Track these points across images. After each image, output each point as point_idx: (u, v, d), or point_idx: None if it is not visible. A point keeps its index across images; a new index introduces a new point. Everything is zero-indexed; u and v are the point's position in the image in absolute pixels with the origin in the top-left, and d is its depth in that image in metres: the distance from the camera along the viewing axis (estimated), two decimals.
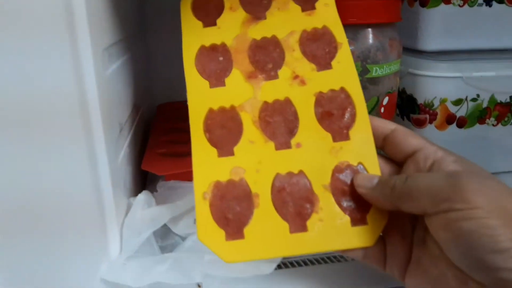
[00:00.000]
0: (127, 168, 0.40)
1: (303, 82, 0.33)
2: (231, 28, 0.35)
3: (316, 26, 0.35)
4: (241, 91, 0.33)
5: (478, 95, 0.52)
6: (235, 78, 0.34)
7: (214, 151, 0.31)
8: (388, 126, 0.31)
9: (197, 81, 0.34)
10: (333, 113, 0.32)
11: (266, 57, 0.34)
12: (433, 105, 0.52)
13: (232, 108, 0.32)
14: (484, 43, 0.53)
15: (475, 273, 0.22)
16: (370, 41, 0.45)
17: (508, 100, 0.53)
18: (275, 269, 0.35)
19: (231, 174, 0.30)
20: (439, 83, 0.51)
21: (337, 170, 0.30)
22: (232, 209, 0.29)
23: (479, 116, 0.53)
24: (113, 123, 0.35)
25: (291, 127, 0.32)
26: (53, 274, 0.27)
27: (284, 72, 0.34)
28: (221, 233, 0.28)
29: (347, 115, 0.32)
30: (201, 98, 0.33)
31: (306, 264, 0.37)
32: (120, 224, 0.36)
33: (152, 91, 0.68)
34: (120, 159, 0.37)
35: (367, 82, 0.46)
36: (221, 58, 0.34)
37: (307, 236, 0.28)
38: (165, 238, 0.39)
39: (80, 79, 0.29)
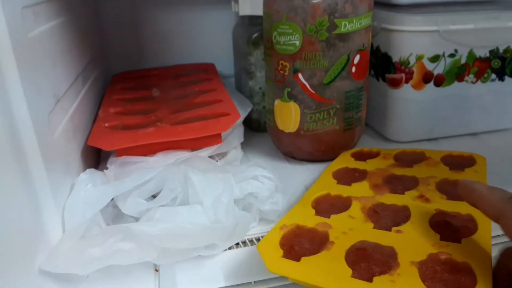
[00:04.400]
0: (70, 145, 0.36)
1: (427, 200, 0.33)
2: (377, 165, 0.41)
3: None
4: (362, 191, 0.36)
5: (456, 51, 0.48)
6: (362, 184, 0.38)
7: (313, 211, 0.34)
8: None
9: (328, 178, 0.40)
10: (450, 223, 0.30)
11: (398, 182, 0.37)
12: (409, 62, 0.48)
13: (348, 197, 0.36)
14: None
15: None
16: None
17: (488, 55, 0.49)
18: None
19: (317, 226, 0.31)
20: (414, 39, 0.47)
21: (434, 257, 0.27)
22: (301, 244, 0.29)
23: (457, 73, 0.49)
24: (42, 93, 0.31)
25: (398, 221, 0.31)
26: None
27: (411, 193, 0.35)
28: (280, 252, 0.29)
29: (464, 229, 0.30)
30: (325, 185, 0.38)
31: None
32: (61, 207, 0.32)
33: (107, 58, 0.63)
34: (57, 135, 0.33)
35: (336, 39, 0.42)
36: (357, 174, 0.40)
37: (368, 285, 0.25)
38: (118, 220, 0.35)
39: None
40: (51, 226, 0.30)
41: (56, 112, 0.33)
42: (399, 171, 0.39)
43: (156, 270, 0.32)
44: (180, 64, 0.66)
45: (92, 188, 0.32)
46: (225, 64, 0.65)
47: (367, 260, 0.27)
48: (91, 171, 0.34)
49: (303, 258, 0.28)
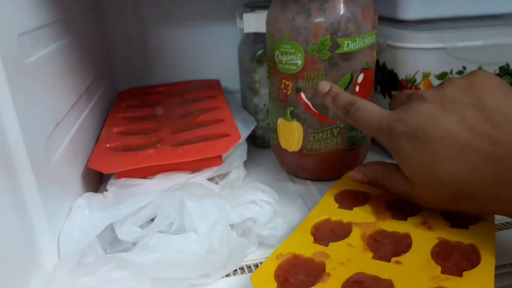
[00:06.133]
0: (70, 167, 0.36)
1: (430, 228, 0.32)
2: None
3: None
4: (364, 216, 0.35)
5: (464, 68, 0.47)
6: (364, 208, 0.36)
7: (311, 238, 0.33)
8: None
9: (330, 201, 0.38)
10: (452, 254, 0.29)
11: (402, 206, 0.36)
12: (415, 80, 0.47)
13: (348, 223, 0.34)
14: (469, 10, 0.48)
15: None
16: (340, 11, 0.40)
17: (498, 71, 0.48)
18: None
19: (314, 255, 0.31)
20: (421, 56, 0.46)
21: None
22: (296, 276, 0.29)
23: None
24: (40, 118, 0.31)
25: (398, 251, 0.30)
26: None
27: (414, 219, 0.34)
28: (274, 284, 0.28)
29: (466, 261, 0.29)
30: (326, 209, 0.37)
31: None
32: (57, 233, 0.32)
33: (113, 75, 0.64)
34: (55, 158, 0.33)
35: (338, 58, 0.41)
36: (359, 197, 0.38)
37: None
38: (115, 244, 0.35)
39: None
40: (45, 252, 0.30)
41: (55, 135, 0.33)
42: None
43: None
44: (185, 81, 0.66)
45: (89, 213, 0.32)
46: (231, 80, 0.65)
47: None
48: (89, 195, 0.34)
49: None
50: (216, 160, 0.39)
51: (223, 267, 0.30)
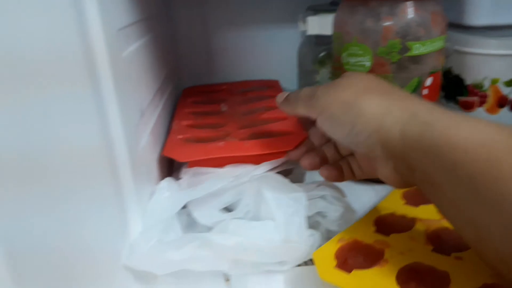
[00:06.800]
0: (151, 156, 0.39)
1: None
2: None
3: None
4: (429, 214, 0.35)
5: None
6: (430, 207, 0.36)
7: (373, 228, 0.34)
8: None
9: (396, 198, 0.39)
10: None
11: None
12: (482, 86, 0.47)
13: (413, 218, 0.35)
14: None
15: (354, 148, 0.32)
16: (410, 15, 0.41)
17: None
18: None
19: (374, 242, 0.32)
20: (489, 62, 0.46)
21: (489, 287, 0.27)
22: (355, 258, 0.30)
23: None
24: (132, 109, 0.33)
25: (460, 248, 0.30)
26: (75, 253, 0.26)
27: None
28: (334, 262, 0.30)
29: None
30: (391, 205, 0.38)
31: None
32: (142, 211, 0.34)
33: (179, 73, 0.66)
34: (141, 146, 0.35)
35: (408, 61, 0.41)
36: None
37: None
38: (190, 227, 0.37)
39: (92, 61, 0.27)
40: (133, 228, 0.32)
41: (141, 124, 0.36)
42: None
43: (227, 280, 0.34)
44: (246, 80, 0.68)
45: (170, 194, 0.34)
46: (289, 80, 0.67)
47: (418, 281, 0.27)
48: (169, 180, 0.36)
49: (354, 271, 0.29)
50: (282, 155, 0.41)
51: (299, 257, 0.31)
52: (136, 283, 0.31)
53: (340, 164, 0.37)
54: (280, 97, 0.38)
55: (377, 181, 0.48)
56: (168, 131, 0.47)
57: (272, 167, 0.40)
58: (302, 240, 0.31)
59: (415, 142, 0.26)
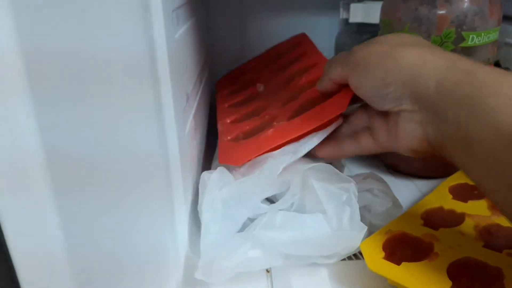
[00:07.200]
0: (192, 142, 0.38)
1: None
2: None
3: None
4: (478, 209, 0.35)
5: None
6: (480, 203, 0.36)
7: (421, 221, 0.34)
8: None
9: (443, 192, 0.38)
10: None
11: None
12: None
13: (462, 213, 0.34)
14: None
15: (385, 104, 0.30)
16: (467, 4, 0.39)
17: None
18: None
19: (423, 236, 0.31)
20: None
21: None
22: (403, 250, 0.30)
23: None
24: (181, 91, 0.32)
25: None
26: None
27: None
28: (382, 254, 0.29)
29: None
30: (438, 199, 0.37)
31: None
32: (188, 203, 0.33)
33: (213, 62, 0.65)
34: (186, 132, 0.34)
35: (461, 52, 0.40)
36: (475, 192, 0.38)
37: None
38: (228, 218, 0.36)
39: (150, 42, 0.26)
40: (179, 224, 0.32)
41: (186, 109, 0.35)
42: None
43: (268, 271, 0.33)
44: (272, 47, 0.62)
45: (225, 186, 0.33)
46: None
47: (470, 276, 0.27)
48: (221, 170, 0.34)
49: (403, 263, 0.28)
50: (336, 119, 0.37)
51: (353, 247, 0.30)
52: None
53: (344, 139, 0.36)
54: (320, 82, 0.37)
55: (418, 176, 0.47)
56: (209, 118, 0.46)
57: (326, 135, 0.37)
58: (356, 228, 0.30)
59: (452, 91, 0.25)
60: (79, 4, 0.18)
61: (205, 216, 0.31)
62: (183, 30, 0.35)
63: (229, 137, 0.42)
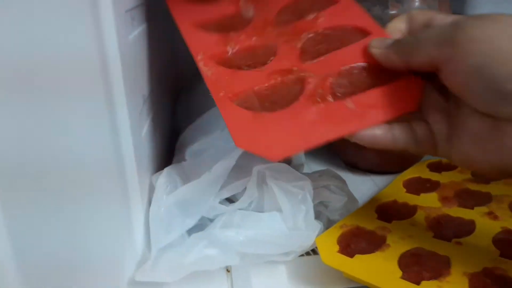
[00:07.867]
0: (150, 144, 0.38)
1: (495, 218, 0.34)
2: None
3: None
4: (430, 202, 0.37)
5: None
6: (431, 195, 0.38)
7: (375, 215, 0.35)
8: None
9: (398, 186, 0.41)
10: None
11: (470, 197, 0.37)
12: None
13: (414, 206, 0.36)
14: None
15: (499, 106, 0.22)
16: (417, 3, 0.40)
17: None
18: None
19: (376, 229, 0.32)
20: None
21: (489, 271, 0.27)
22: (357, 243, 0.31)
23: None
24: (136, 94, 0.32)
25: (460, 234, 0.31)
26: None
27: (481, 209, 0.35)
28: (336, 247, 0.30)
29: None
30: (393, 192, 0.39)
31: None
32: (144, 204, 0.33)
33: (177, 70, 0.65)
34: (143, 134, 0.34)
35: None
36: (428, 185, 0.40)
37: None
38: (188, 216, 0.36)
39: (101, 42, 0.26)
40: (136, 226, 0.31)
41: (143, 112, 0.35)
42: (474, 186, 0.39)
43: (228, 271, 0.33)
44: None
45: (173, 191, 0.33)
46: None
47: (419, 265, 0.28)
48: (167, 173, 0.34)
49: (356, 255, 0.29)
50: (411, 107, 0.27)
51: (307, 245, 0.31)
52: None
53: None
54: (381, 43, 0.28)
55: (375, 171, 0.48)
56: (170, 125, 0.46)
57: None
58: (310, 227, 0.31)
59: None
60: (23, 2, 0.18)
61: (152, 225, 0.31)
62: (139, 31, 0.35)
63: (235, 99, 0.29)
